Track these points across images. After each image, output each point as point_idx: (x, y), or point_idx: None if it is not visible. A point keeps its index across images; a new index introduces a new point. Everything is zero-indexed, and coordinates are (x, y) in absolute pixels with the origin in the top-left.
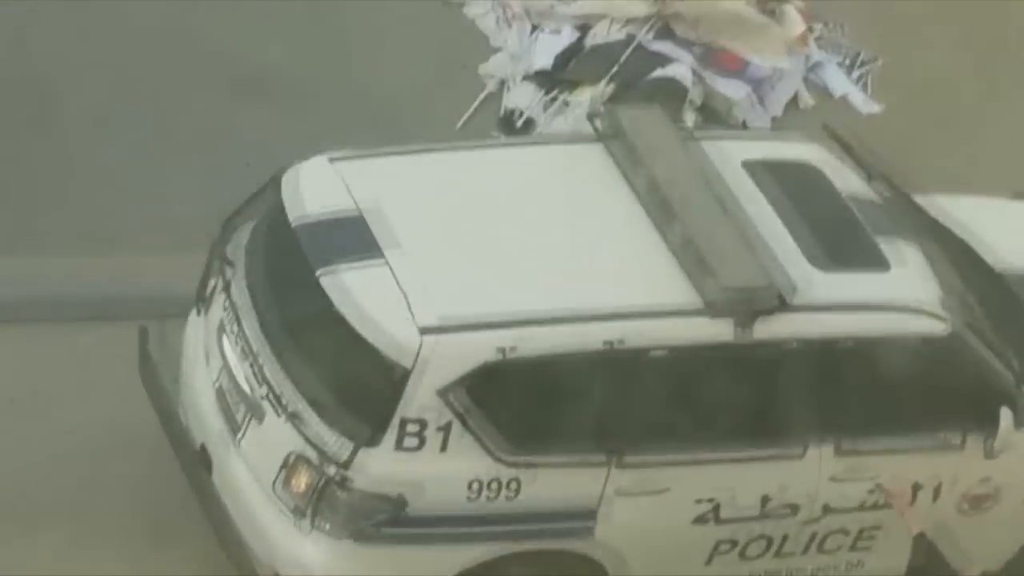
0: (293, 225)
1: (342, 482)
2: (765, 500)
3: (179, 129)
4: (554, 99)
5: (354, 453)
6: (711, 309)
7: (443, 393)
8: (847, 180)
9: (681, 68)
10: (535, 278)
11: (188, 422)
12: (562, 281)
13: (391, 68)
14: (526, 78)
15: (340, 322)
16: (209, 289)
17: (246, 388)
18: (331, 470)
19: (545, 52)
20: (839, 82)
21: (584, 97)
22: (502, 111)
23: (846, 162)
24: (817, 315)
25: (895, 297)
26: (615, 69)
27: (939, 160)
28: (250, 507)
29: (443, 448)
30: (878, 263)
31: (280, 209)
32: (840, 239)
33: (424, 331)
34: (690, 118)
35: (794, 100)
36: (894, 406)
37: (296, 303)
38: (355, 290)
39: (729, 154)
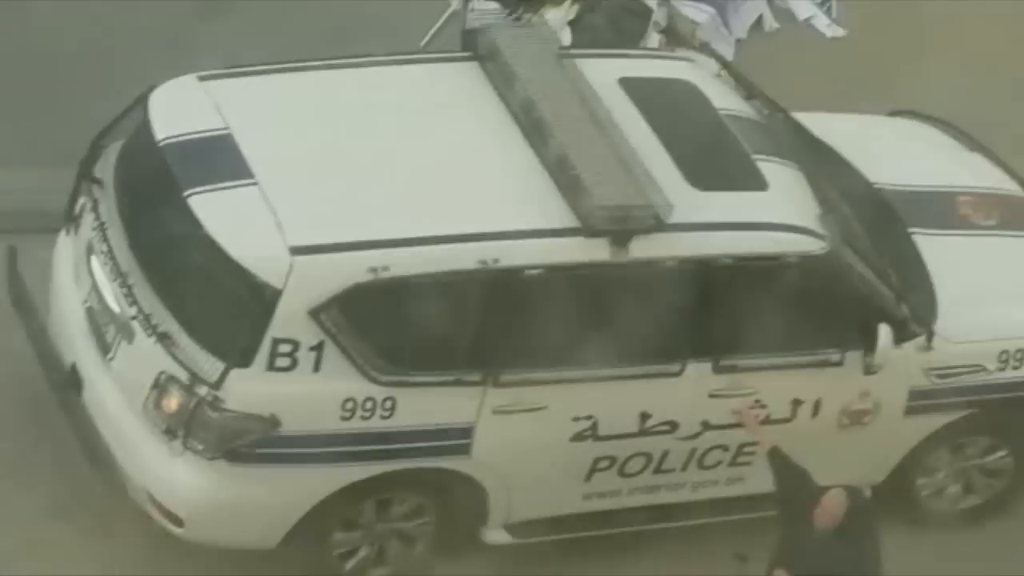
0: (161, 145)
1: (213, 402)
2: (644, 417)
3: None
4: (518, 18)
5: (225, 373)
6: (586, 229)
7: (315, 313)
8: (725, 98)
9: None
10: (409, 198)
11: (58, 342)
12: (436, 201)
13: None
14: None
15: (210, 243)
16: (78, 208)
17: (115, 308)
18: (202, 390)
19: None
20: (804, 6)
21: (549, 16)
22: (464, 30)
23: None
24: (694, 234)
25: (772, 216)
26: None
27: (902, 84)
28: (121, 428)
29: (316, 368)
30: (756, 182)
31: (148, 128)
32: (718, 158)
33: (295, 251)
34: (654, 40)
35: (759, 23)
36: (772, 323)
37: (165, 223)
38: (225, 211)
39: (607, 71)
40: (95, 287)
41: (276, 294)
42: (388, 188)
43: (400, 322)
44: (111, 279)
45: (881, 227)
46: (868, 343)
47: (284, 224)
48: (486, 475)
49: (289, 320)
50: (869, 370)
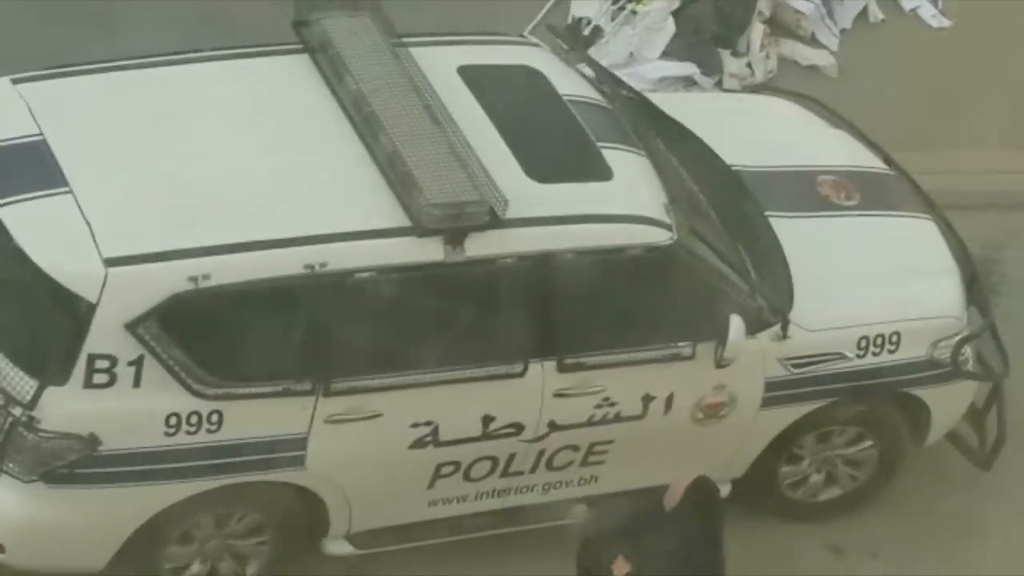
0: None
1: (28, 423)
2: (487, 420)
3: None
4: (621, 8)
5: (39, 392)
6: (418, 228)
7: (132, 326)
8: (573, 85)
9: None
10: (231, 203)
11: None
12: (260, 205)
13: None
14: None
15: (20, 256)
16: None
17: None
18: (16, 411)
19: None
20: None
21: (653, 7)
22: (569, 19)
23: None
24: (533, 229)
25: (616, 207)
26: None
27: (1008, 74)
28: None
29: (136, 384)
30: (599, 173)
31: None
32: (561, 148)
33: (109, 263)
34: (758, 29)
35: (864, 13)
36: (619, 318)
37: None
38: (36, 222)
39: (445, 60)
40: None
41: (91, 308)
42: (209, 192)
43: (224, 332)
44: None
45: (737, 212)
46: (720, 335)
47: (98, 234)
48: (322, 486)
49: (105, 334)
50: (721, 363)
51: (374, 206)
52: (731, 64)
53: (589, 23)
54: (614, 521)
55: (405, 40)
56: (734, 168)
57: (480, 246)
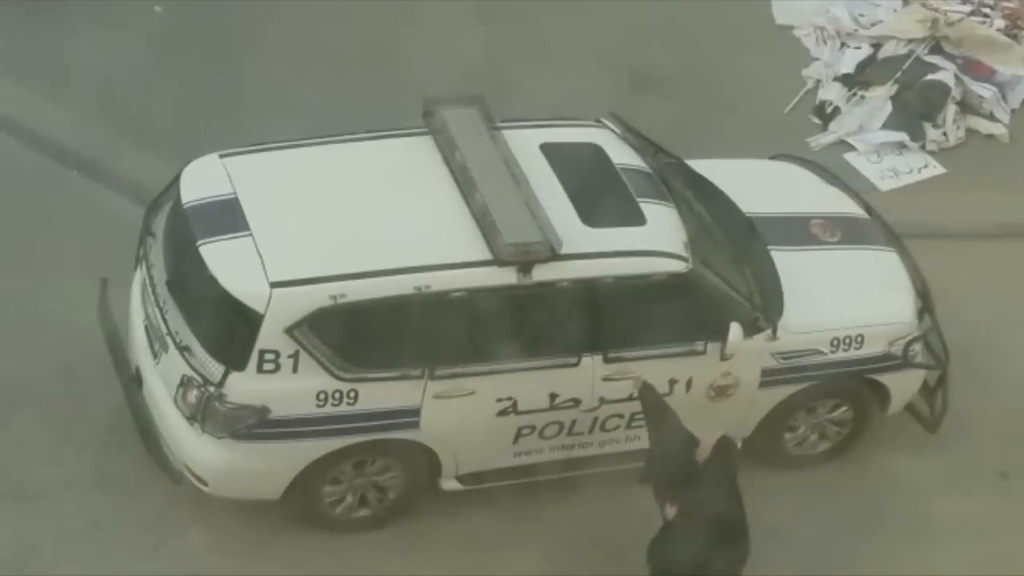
0: (184, 206)
1: (219, 397)
2: (553, 396)
3: None
4: (854, 94)
5: (225, 375)
6: (498, 260)
7: (289, 330)
8: (624, 156)
9: (947, 74)
10: (362, 242)
11: (130, 349)
12: (384, 243)
13: (739, 69)
14: (835, 79)
15: (214, 280)
16: (141, 252)
17: (159, 327)
18: (211, 388)
19: (849, 61)
20: None
21: (876, 93)
22: (817, 102)
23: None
24: (583, 261)
25: (646, 245)
26: (899, 74)
27: None
28: (164, 415)
29: (294, 370)
30: (636, 220)
31: (179, 194)
32: (608, 203)
33: (273, 285)
34: (951, 110)
35: None
36: (648, 324)
37: (186, 265)
38: (225, 256)
39: (530, 139)
40: (148, 310)
41: (260, 317)
42: (349, 234)
43: (357, 333)
44: (155, 305)
45: (747, 246)
46: (723, 337)
47: (268, 264)
48: (434, 442)
49: (271, 336)
50: (723, 357)
51: (468, 244)
52: (931, 133)
53: (831, 104)
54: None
55: (501, 125)
56: (749, 214)
57: (543, 273)
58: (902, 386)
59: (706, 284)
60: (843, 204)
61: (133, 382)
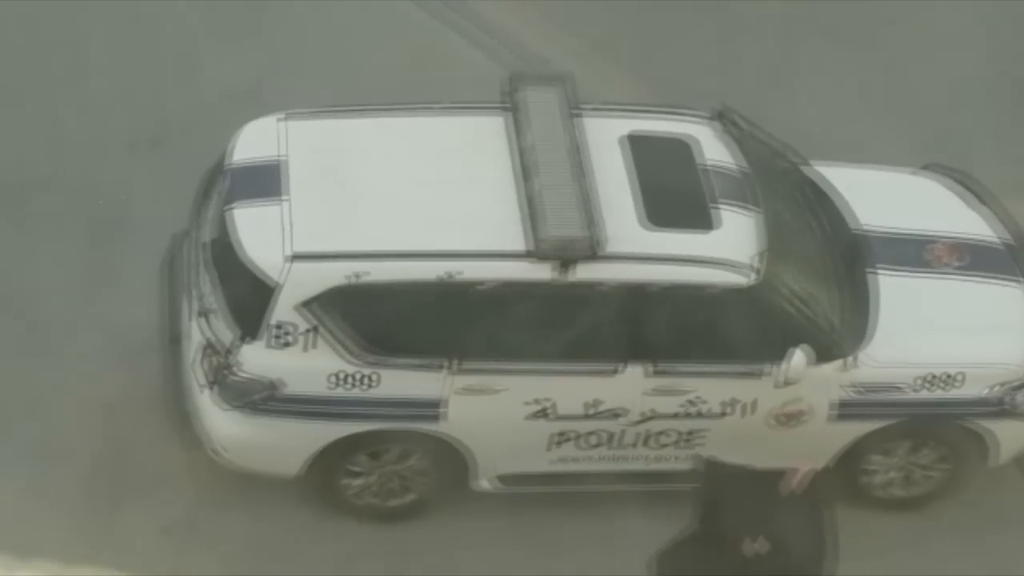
0: (225, 168)
1: (230, 367)
2: (589, 405)
3: None
4: None
5: (237, 345)
6: (533, 254)
7: (303, 306)
8: (718, 154)
9: None
10: (397, 222)
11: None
12: (419, 225)
13: None
14: None
15: (237, 246)
16: (194, 211)
17: (193, 291)
18: (223, 357)
19: None
20: None
21: None
22: None
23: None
24: (630, 264)
25: (707, 253)
26: None
27: None
28: (190, 379)
29: (308, 348)
30: (702, 225)
31: (230, 153)
32: (676, 204)
33: (293, 258)
34: None
35: None
36: (701, 338)
37: (218, 231)
38: (254, 222)
39: (614, 128)
40: (189, 275)
41: (274, 290)
42: (385, 213)
43: (378, 316)
44: (193, 270)
45: (844, 265)
46: (784, 362)
47: (294, 235)
48: (458, 437)
49: (284, 310)
50: (779, 384)
51: (509, 234)
52: None
53: None
54: (738, 495)
55: (586, 108)
56: (860, 230)
57: (585, 272)
58: (1008, 435)
59: (774, 302)
60: (977, 228)
61: (176, 342)
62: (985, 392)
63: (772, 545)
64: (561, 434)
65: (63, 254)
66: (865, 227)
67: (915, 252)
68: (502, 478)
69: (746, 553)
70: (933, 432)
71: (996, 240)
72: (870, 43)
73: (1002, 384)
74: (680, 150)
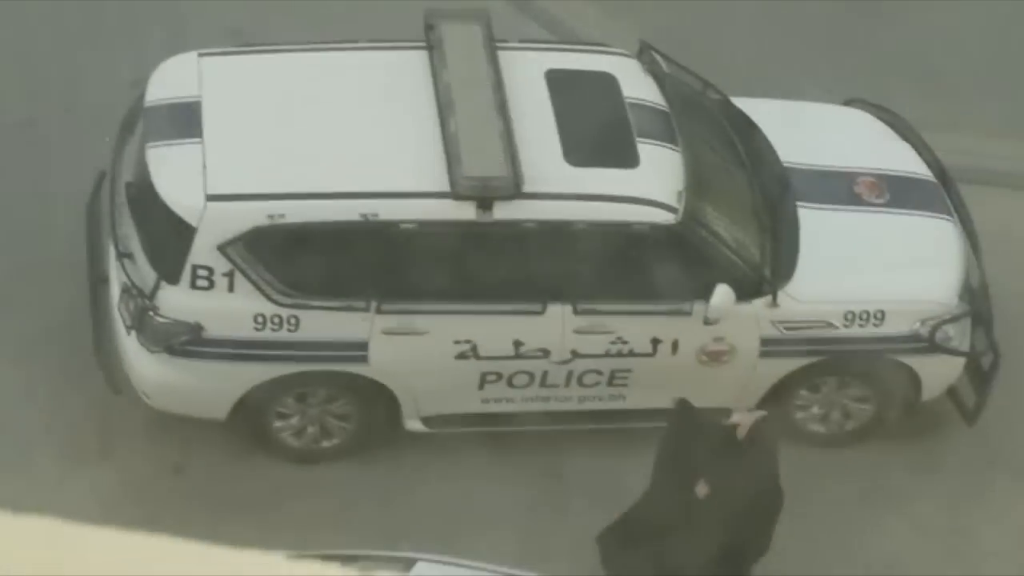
0: (145, 106)
1: (152, 309)
2: (517, 344)
3: None
4: None
5: (156, 287)
6: (454, 193)
7: (223, 248)
8: (641, 90)
9: None
10: (315, 161)
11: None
12: (338, 164)
13: None
14: None
15: (153, 187)
16: (115, 150)
17: (117, 233)
18: (144, 300)
19: None
20: None
21: None
22: None
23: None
24: (553, 202)
25: (630, 191)
26: None
27: None
28: (114, 323)
29: (230, 290)
30: (627, 161)
31: (144, 92)
32: (602, 140)
33: (210, 198)
34: None
35: None
36: (626, 277)
37: (136, 170)
38: (168, 163)
39: (536, 63)
40: (112, 216)
41: (193, 231)
42: (302, 152)
43: (298, 258)
44: (114, 211)
45: (771, 201)
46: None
47: (209, 176)
48: (386, 379)
49: (204, 251)
50: (706, 321)
51: (428, 173)
52: None
53: None
54: (700, 438)
55: (505, 45)
56: (787, 165)
57: (506, 211)
58: (935, 371)
59: (698, 239)
60: (905, 162)
61: (101, 283)
62: (911, 328)
63: (711, 489)
64: (489, 374)
65: None
66: (793, 162)
67: (844, 187)
68: (432, 419)
69: (699, 494)
70: (860, 368)
71: (928, 175)
72: None
73: (929, 320)
74: (605, 86)
